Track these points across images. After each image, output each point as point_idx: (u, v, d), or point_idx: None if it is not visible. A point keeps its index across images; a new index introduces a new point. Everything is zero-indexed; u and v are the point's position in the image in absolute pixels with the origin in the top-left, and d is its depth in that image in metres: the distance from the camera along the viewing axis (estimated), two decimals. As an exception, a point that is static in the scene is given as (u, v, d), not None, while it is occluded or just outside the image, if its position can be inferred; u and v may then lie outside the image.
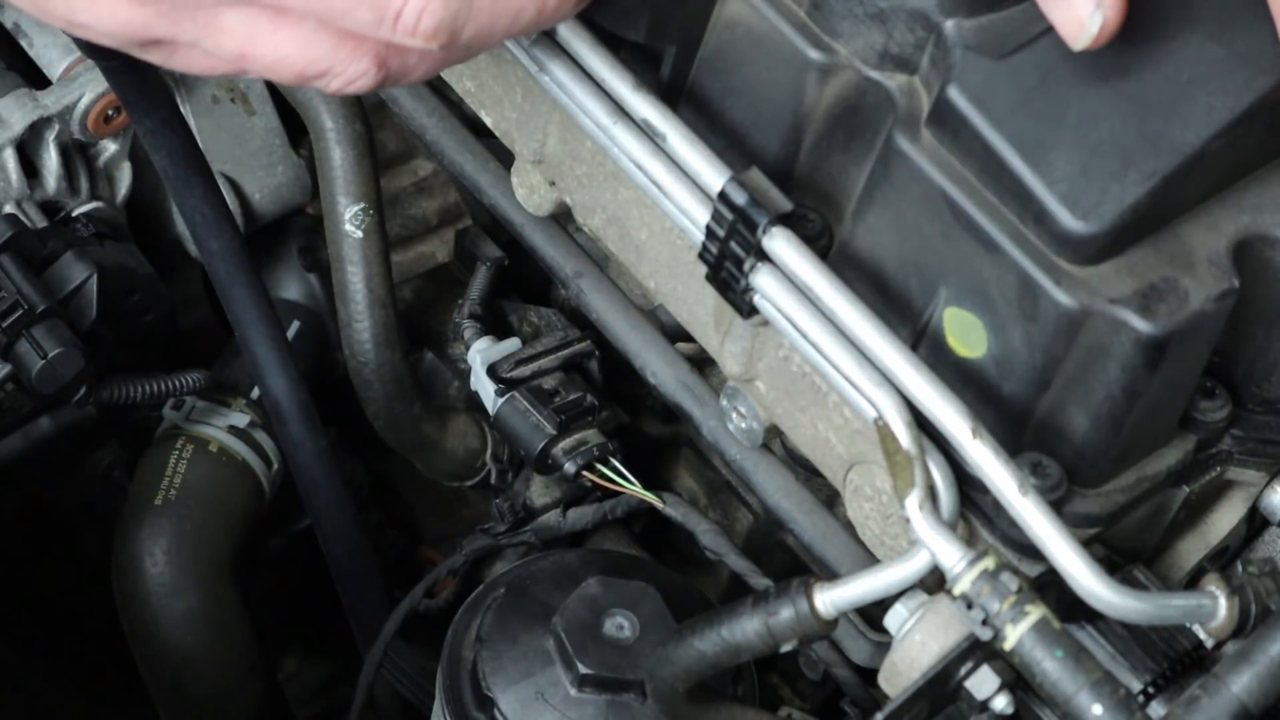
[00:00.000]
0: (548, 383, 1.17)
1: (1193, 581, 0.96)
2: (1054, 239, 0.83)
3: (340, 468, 1.28)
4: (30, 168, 1.26)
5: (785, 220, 0.86)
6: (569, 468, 1.13)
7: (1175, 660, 0.88)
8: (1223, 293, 0.84)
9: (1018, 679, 0.83)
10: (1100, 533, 0.88)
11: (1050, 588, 0.82)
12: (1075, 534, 0.81)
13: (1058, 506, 0.84)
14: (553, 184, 1.03)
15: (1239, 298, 0.84)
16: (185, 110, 1.30)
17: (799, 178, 0.92)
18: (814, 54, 0.89)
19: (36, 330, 1.16)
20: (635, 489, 1.13)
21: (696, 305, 0.97)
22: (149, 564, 1.21)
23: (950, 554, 0.81)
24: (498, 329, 1.26)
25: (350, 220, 1.21)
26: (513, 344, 1.19)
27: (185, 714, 1.25)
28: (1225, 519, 0.96)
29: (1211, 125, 0.84)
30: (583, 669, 0.99)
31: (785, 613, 0.84)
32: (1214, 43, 0.85)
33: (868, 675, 1.06)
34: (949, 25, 0.86)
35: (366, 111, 1.22)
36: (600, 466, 1.13)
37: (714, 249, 0.87)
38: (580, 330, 1.20)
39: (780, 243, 0.85)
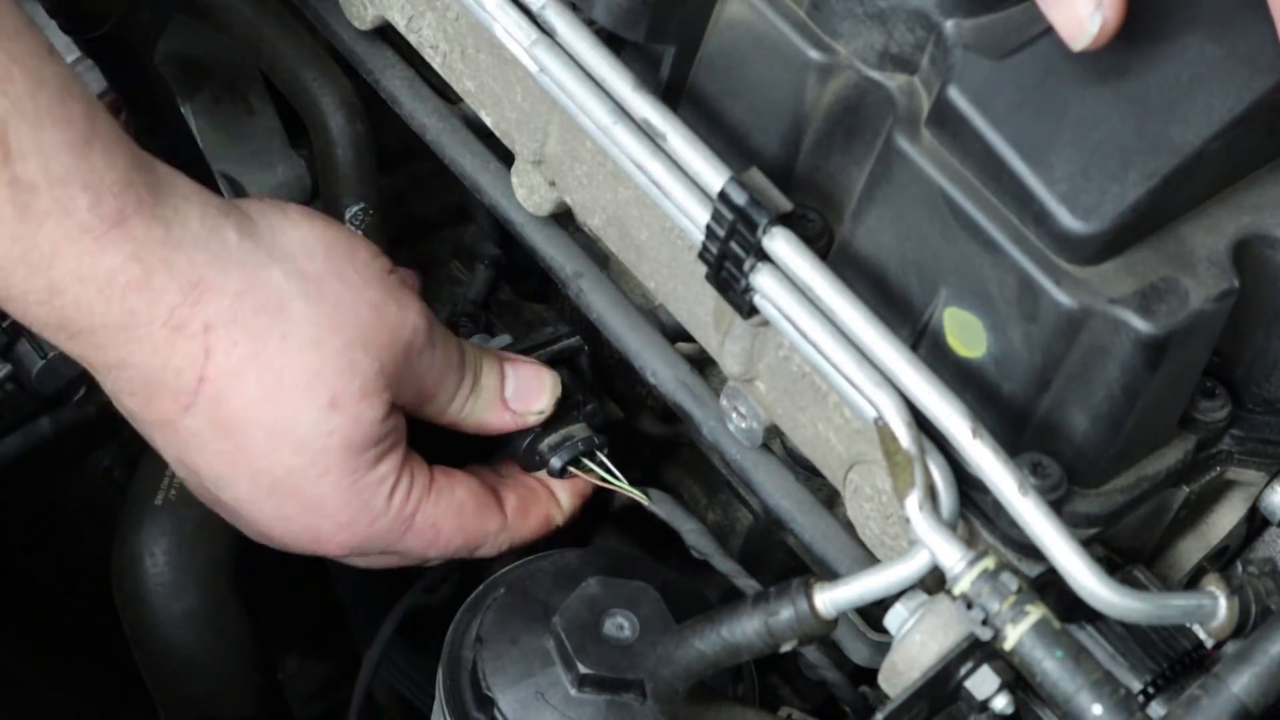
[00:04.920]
0: None
1: (1193, 581, 0.96)
2: (1054, 239, 0.83)
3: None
4: (30, 167, 1.26)
5: (785, 220, 0.86)
6: (555, 463, 1.12)
7: (1175, 660, 0.88)
8: (1223, 293, 0.84)
9: (1018, 679, 0.83)
10: (1100, 533, 0.88)
11: (1050, 588, 0.82)
12: (1075, 534, 0.81)
13: (1058, 506, 0.84)
14: (553, 184, 1.03)
15: (1239, 298, 0.84)
16: (185, 110, 1.30)
17: (799, 178, 0.92)
18: (814, 54, 0.89)
19: (37, 330, 1.16)
20: (621, 485, 1.12)
21: (696, 305, 0.97)
22: (149, 564, 1.21)
23: (950, 554, 0.81)
24: (492, 326, 1.26)
25: (350, 220, 1.21)
26: (503, 340, 1.19)
27: (185, 714, 1.25)
28: (1225, 519, 0.96)
29: (1211, 125, 0.84)
30: (583, 669, 0.99)
31: (785, 613, 0.84)
32: (1214, 43, 0.85)
33: (867, 674, 1.06)
34: (949, 25, 0.86)
35: (366, 111, 1.22)
36: (587, 462, 1.13)
37: (714, 249, 0.87)
38: (577, 327, 1.20)
39: (780, 243, 0.85)
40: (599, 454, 1.13)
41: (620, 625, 1.01)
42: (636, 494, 1.12)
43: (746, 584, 1.10)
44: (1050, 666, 0.78)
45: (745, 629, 0.85)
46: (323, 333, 0.97)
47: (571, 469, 1.12)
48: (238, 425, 0.96)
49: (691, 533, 1.12)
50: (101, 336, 0.93)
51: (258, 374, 0.96)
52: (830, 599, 0.84)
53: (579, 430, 1.13)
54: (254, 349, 0.95)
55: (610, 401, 1.20)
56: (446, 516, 1.05)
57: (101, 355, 0.95)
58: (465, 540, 1.06)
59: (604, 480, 1.13)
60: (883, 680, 0.87)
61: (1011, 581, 0.80)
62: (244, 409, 0.96)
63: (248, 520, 1.02)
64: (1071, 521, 0.86)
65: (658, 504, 1.12)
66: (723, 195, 0.86)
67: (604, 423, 1.16)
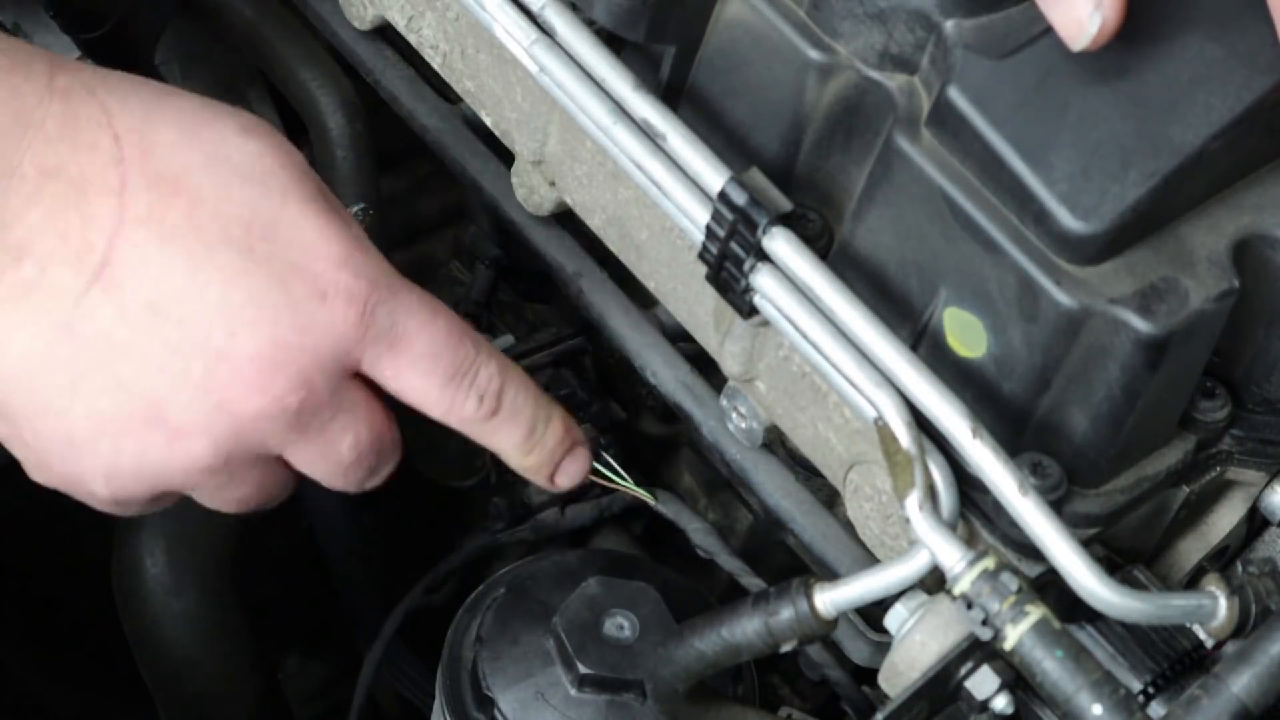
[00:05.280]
0: (539, 379, 1.17)
1: (1193, 581, 0.96)
2: (1054, 239, 0.83)
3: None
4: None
5: (785, 220, 0.86)
6: None
7: (1175, 660, 0.88)
8: (1223, 293, 0.84)
9: (1018, 679, 0.83)
10: (1100, 533, 0.88)
11: (1050, 588, 0.82)
12: (1075, 534, 0.81)
13: (1058, 506, 0.84)
14: (553, 184, 1.03)
15: (1239, 298, 0.84)
16: (185, 110, 1.30)
17: (799, 178, 0.92)
18: (814, 54, 0.89)
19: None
20: (626, 485, 1.13)
21: (696, 305, 0.97)
22: (149, 564, 1.21)
23: (950, 554, 0.81)
24: (494, 327, 1.26)
25: (350, 220, 1.21)
26: (506, 341, 1.19)
27: (185, 714, 1.25)
28: (1225, 519, 0.96)
29: (1211, 125, 0.84)
30: (583, 669, 0.99)
31: (785, 613, 0.84)
32: (1214, 43, 0.85)
33: (867, 675, 1.06)
34: (949, 25, 0.86)
35: (366, 111, 1.22)
36: (594, 462, 1.13)
37: (714, 249, 0.87)
38: (576, 327, 1.20)
39: (780, 243, 0.85)
40: (605, 455, 1.13)
41: (620, 625, 1.01)
42: (643, 494, 1.12)
43: (752, 582, 1.10)
44: (1050, 666, 0.78)
45: (745, 629, 0.85)
46: (190, 90, 0.94)
47: None
48: (176, 172, 0.90)
49: (697, 532, 1.12)
50: (12, 144, 0.87)
51: (162, 117, 0.91)
52: (830, 599, 0.84)
53: (585, 431, 1.14)
54: (143, 99, 0.91)
55: (613, 402, 1.20)
56: (438, 302, 0.97)
57: (22, 177, 0.87)
58: (461, 339, 0.96)
59: (610, 480, 1.13)
60: (883, 680, 0.87)
61: (1011, 581, 0.80)
62: (172, 153, 0.90)
63: (238, 322, 0.90)
64: (1071, 521, 0.86)
65: (664, 503, 1.13)
66: (723, 195, 0.86)
67: (609, 423, 1.16)
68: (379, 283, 0.93)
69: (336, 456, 0.96)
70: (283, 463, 0.96)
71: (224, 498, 0.97)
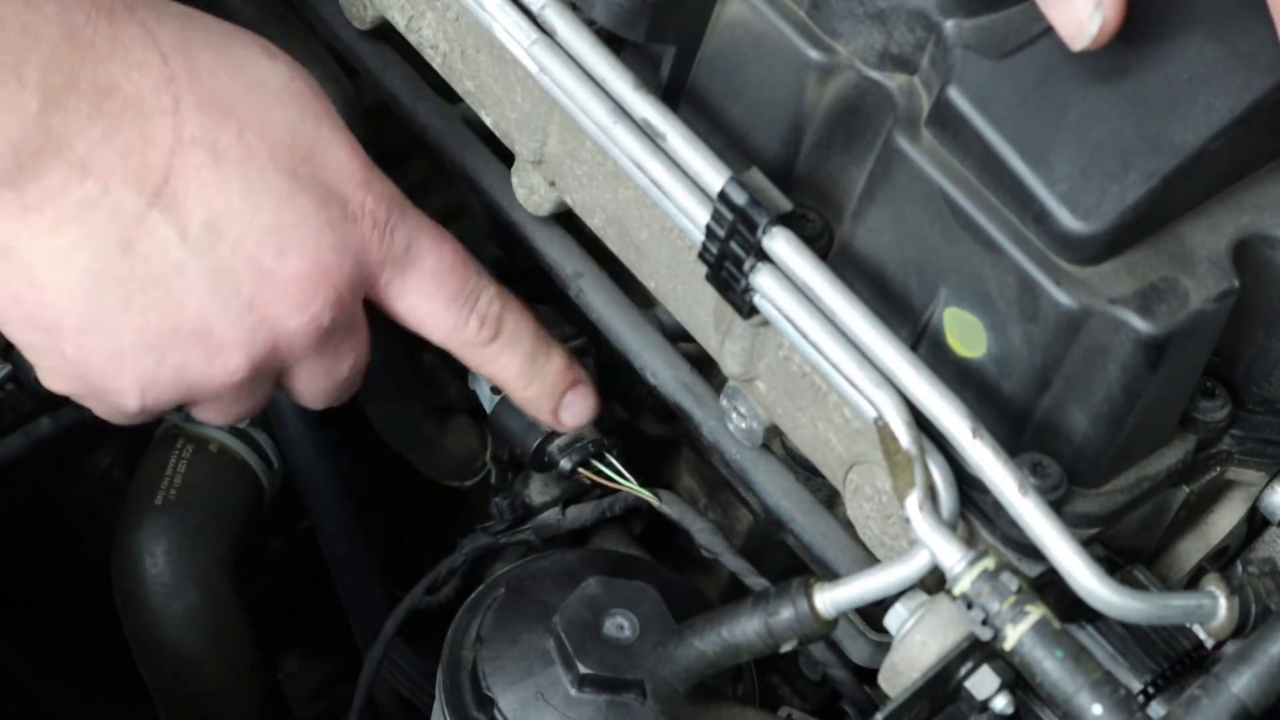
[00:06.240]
0: None
1: (1193, 581, 0.96)
2: (1054, 239, 0.83)
3: (340, 468, 1.28)
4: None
5: (785, 220, 0.86)
6: (565, 464, 1.13)
7: (1175, 660, 0.88)
8: (1223, 293, 0.84)
9: (1018, 679, 0.83)
10: (1100, 533, 0.88)
11: (1050, 588, 0.82)
12: (1075, 534, 0.81)
13: (1058, 506, 0.84)
14: (553, 184, 1.03)
15: (1239, 298, 0.84)
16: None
17: (799, 178, 0.92)
18: (814, 54, 0.89)
19: (36, 330, 1.16)
20: (631, 486, 1.13)
21: (696, 305, 0.97)
22: (149, 564, 1.21)
23: (950, 554, 0.81)
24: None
25: (350, 220, 1.21)
26: (511, 340, 1.19)
27: (185, 714, 1.25)
28: (1225, 519, 0.96)
29: (1211, 125, 0.84)
30: (583, 669, 0.99)
31: (785, 613, 0.84)
32: (1214, 43, 0.85)
33: (867, 675, 1.06)
34: (949, 25, 0.86)
35: (367, 112, 1.22)
36: (596, 463, 1.13)
37: (714, 249, 0.87)
38: (578, 327, 1.20)
39: (780, 243, 0.85)
40: (608, 455, 1.13)
41: (620, 625, 1.01)
42: (646, 494, 1.12)
43: (756, 582, 1.10)
44: (1050, 666, 0.78)
45: (745, 629, 0.85)
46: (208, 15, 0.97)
47: (581, 470, 1.13)
48: (221, 95, 0.92)
49: (701, 532, 1.12)
50: (68, 61, 0.88)
51: (197, 38, 0.93)
52: (830, 599, 0.84)
53: (588, 432, 1.14)
54: (177, 19, 0.93)
55: (615, 403, 1.20)
56: (443, 228, 1.01)
57: (81, 94, 0.88)
58: (465, 263, 1.01)
59: (614, 481, 1.13)
60: (883, 680, 0.87)
61: (1011, 581, 0.80)
62: (214, 76, 0.93)
63: (288, 243, 0.93)
64: (1071, 521, 0.86)
65: (668, 504, 1.13)
66: (723, 195, 0.86)
67: (612, 424, 1.16)
68: (395, 205, 0.97)
69: (337, 375, 1.00)
70: (277, 381, 1.00)
71: (227, 412, 1.00)
